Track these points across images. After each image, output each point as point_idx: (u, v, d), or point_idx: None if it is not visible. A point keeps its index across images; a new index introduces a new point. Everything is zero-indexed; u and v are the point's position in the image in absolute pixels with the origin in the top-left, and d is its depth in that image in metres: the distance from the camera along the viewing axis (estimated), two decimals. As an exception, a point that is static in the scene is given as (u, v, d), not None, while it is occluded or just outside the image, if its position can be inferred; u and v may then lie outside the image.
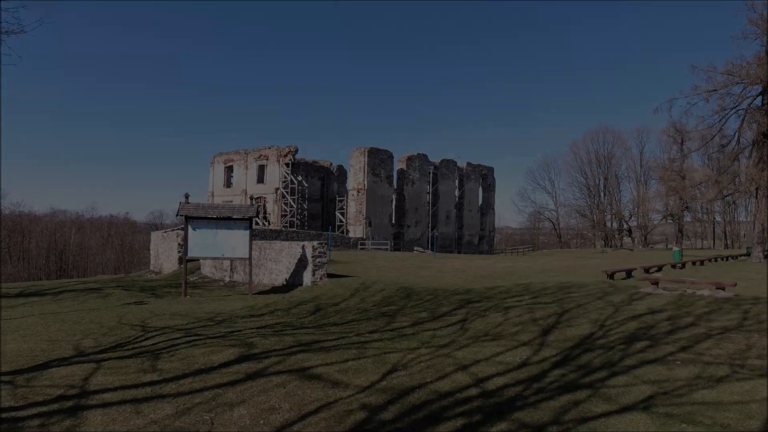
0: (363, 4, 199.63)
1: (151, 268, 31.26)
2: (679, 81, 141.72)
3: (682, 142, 67.50)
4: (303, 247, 18.43)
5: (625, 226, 74.25)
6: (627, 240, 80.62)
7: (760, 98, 34.83)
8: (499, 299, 13.66)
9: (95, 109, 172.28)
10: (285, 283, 19.49)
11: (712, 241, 77.51)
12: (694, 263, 28.14)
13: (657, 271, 23.18)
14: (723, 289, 14.16)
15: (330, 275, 18.62)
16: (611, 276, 18.91)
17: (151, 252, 32.16)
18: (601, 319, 10.67)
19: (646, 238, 75.13)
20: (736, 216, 79.64)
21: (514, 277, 21.32)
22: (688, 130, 65.90)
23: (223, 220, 16.89)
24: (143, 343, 8.73)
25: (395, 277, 19.98)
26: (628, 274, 20.62)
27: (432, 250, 60.81)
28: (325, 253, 18.18)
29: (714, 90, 33.98)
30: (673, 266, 25.29)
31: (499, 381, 6.28)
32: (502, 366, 7.11)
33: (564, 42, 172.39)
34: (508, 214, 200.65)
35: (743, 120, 35.95)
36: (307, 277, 18.08)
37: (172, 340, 8.86)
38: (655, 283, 15.50)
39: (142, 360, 7.42)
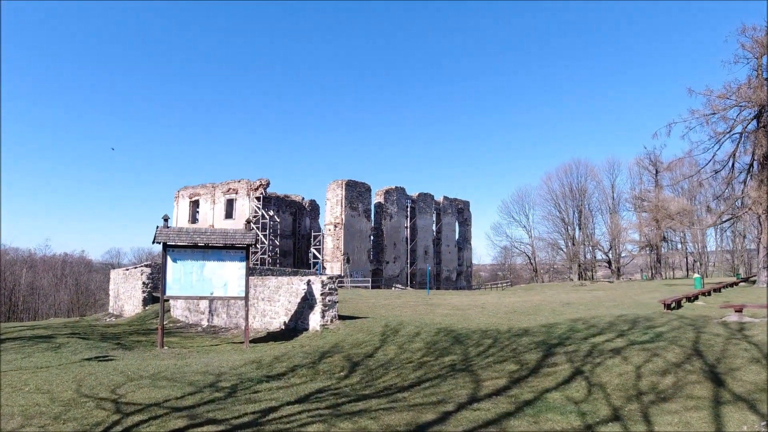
0: (337, 32, 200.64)
1: (110, 310, 26.89)
2: (648, 113, 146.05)
3: (657, 173, 68.12)
4: (309, 283, 15.04)
5: (604, 257, 73.30)
6: (604, 272, 79.85)
7: (754, 122, 34.21)
8: (578, 340, 10.75)
9: (47, 137, 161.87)
10: (284, 327, 15.95)
11: (687, 271, 77.50)
12: (715, 290, 26.59)
13: (695, 299, 21.14)
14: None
15: (340, 317, 15.24)
16: (668, 306, 16.51)
17: (110, 292, 27.79)
18: (758, 357, 7.93)
19: (619, 270, 74.29)
20: (706, 246, 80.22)
21: (544, 312, 18.52)
22: (663, 161, 66.37)
23: (213, 248, 13.40)
24: (125, 438, 5.25)
25: (415, 317, 16.73)
26: (678, 303, 18.35)
27: (412, 287, 57.64)
28: (336, 289, 14.85)
29: (712, 113, 33.07)
30: (702, 294, 23.47)
31: None
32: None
33: (533, 74, 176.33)
34: (480, 249, 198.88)
35: (738, 143, 35.20)
36: (315, 320, 14.63)
37: None
38: (740, 310, 13.47)
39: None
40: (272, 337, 15.14)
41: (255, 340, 14.60)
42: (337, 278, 14.98)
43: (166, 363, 10.57)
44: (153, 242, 12.71)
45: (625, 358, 8.62)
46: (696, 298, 21.48)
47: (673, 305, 17.41)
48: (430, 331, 12.67)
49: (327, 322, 14.50)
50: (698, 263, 77.00)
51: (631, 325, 12.55)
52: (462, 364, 9.09)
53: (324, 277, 14.69)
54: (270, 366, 10.01)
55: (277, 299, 16.55)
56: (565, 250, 78.54)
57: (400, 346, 11.39)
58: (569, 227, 76.75)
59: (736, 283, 36.24)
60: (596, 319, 13.87)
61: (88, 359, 11.56)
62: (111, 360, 11.39)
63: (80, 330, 18.95)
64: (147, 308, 23.85)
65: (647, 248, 66.22)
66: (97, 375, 9.11)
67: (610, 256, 70.76)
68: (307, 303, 15.10)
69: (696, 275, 30.38)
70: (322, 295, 14.54)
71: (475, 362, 9.16)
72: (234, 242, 13.39)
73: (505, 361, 9.01)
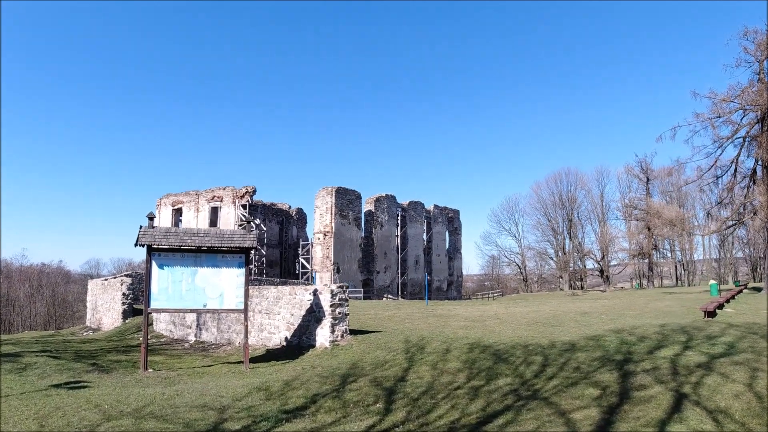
0: (326, 39, 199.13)
1: (88, 323, 24.74)
2: (634, 122, 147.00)
3: (648, 180, 67.63)
4: (315, 294, 13.24)
5: (596, 266, 72.46)
6: (591, 281, 79.09)
7: (758, 125, 33.43)
8: (643, 354, 9.18)
9: (24, 143, 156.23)
10: (285, 343, 14.09)
11: (676, 280, 77.15)
12: (732, 298, 25.55)
13: (721, 306, 19.90)
14: None
15: (351, 332, 13.43)
16: (709, 314, 15.16)
17: (88, 304, 25.57)
18: None
19: (609, 279, 73.57)
20: (693, 254, 79.96)
21: (568, 322, 17.00)
22: (654, 169, 65.83)
23: (207, 253, 11.54)
24: None
25: (432, 330, 14.99)
26: (714, 311, 17.01)
27: (403, 297, 55.82)
28: (347, 300, 13.08)
29: (717, 116, 32.19)
30: (726, 301, 22.32)
31: None
32: None
33: (524, 82, 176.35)
34: (468, 259, 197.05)
35: (741, 148, 34.40)
36: (323, 336, 12.81)
37: None
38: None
39: None
40: (273, 355, 13.27)
41: (254, 359, 12.72)
42: (347, 288, 13.19)
43: (151, 392, 8.66)
44: (136, 245, 10.82)
45: (723, 376, 7.05)
46: (722, 305, 20.26)
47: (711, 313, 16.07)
48: (461, 347, 10.95)
49: (337, 337, 12.70)
50: (687, 271, 76.70)
51: (686, 335, 11.07)
52: (524, 389, 7.40)
53: (333, 287, 12.90)
54: (282, 395, 8.17)
55: (277, 312, 14.69)
56: (555, 259, 77.65)
57: (434, 366, 9.65)
58: (559, 236, 75.96)
59: (740, 291, 35.43)
60: (640, 330, 12.37)
61: (57, 386, 9.61)
62: (84, 387, 9.45)
63: (53, 346, 16.87)
64: (127, 321, 21.76)
65: (639, 256, 65.51)
66: (66, 410, 7.20)
67: (602, 264, 69.86)
68: (313, 316, 13.27)
69: (712, 282, 29.24)
70: (331, 306, 12.74)
71: (539, 386, 7.47)
72: (232, 245, 11.53)
73: (578, 384, 7.34)
